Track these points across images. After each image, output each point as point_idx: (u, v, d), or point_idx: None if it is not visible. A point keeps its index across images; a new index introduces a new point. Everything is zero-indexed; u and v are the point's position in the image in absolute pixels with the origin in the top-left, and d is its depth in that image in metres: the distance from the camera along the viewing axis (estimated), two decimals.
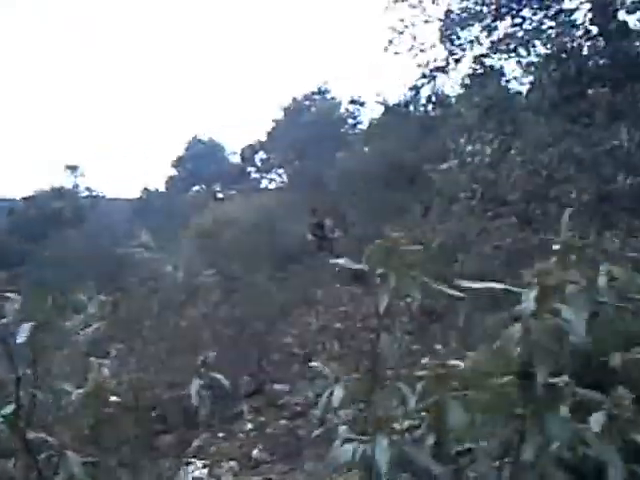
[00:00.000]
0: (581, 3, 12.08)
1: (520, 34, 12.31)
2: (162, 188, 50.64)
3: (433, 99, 19.90)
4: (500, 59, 13.01)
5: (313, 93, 47.36)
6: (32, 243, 32.54)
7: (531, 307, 2.67)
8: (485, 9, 12.36)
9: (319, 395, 3.29)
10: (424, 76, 13.37)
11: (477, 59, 13.06)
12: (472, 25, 12.66)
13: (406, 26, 13.15)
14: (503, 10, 12.28)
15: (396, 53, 13.57)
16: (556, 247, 3.01)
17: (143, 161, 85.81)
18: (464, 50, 12.97)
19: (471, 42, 12.89)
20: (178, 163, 51.71)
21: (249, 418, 9.69)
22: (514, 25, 12.37)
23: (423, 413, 2.99)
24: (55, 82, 78.52)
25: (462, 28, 12.71)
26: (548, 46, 12.18)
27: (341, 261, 3.26)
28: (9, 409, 3.33)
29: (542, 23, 12.12)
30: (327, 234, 22.64)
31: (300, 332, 12.14)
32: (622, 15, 11.91)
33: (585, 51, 12.07)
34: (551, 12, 12.15)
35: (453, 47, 12.96)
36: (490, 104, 12.15)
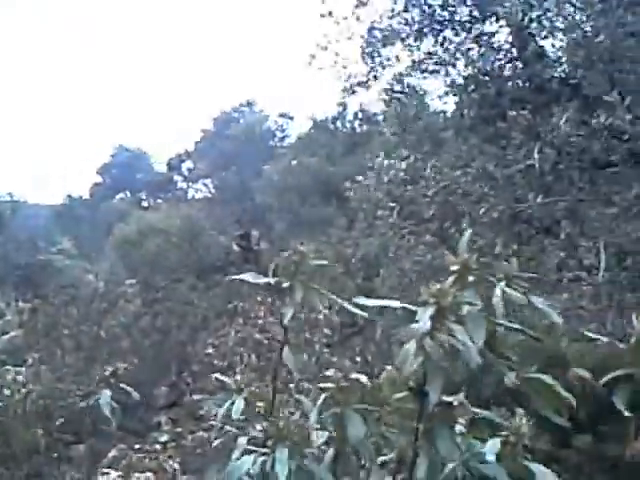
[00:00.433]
0: (500, 27, 12.40)
1: (442, 54, 12.57)
2: (86, 195, 49.68)
3: (360, 115, 20.19)
4: (420, 78, 13.25)
5: (241, 105, 47.34)
6: None
7: (426, 326, 2.73)
8: (407, 28, 12.58)
9: (220, 406, 3.33)
10: (345, 90, 13.51)
11: (396, 77, 13.29)
12: (393, 44, 12.87)
13: (329, 42, 13.27)
14: (425, 30, 12.53)
15: (320, 68, 13.68)
16: (454, 268, 3.03)
17: (67, 167, 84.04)
18: (384, 68, 13.16)
19: (390, 60, 13.09)
20: (103, 170, 50.76)
21: (166, 429, 9.63)
22: (436, 44, 12.62)
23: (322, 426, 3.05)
24: None
25: (384, 45, 12.91)
26: (469, 68, 12.46)
27: (246, 276, 3.33)
28: None
29: (462, 44, 12.39)
30: (253, 245, 22.58)
31: (221, 343, 12.12)
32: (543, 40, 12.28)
33: (507, 73, 12.40)
34: (472, 35, 12.44)
35: (374, 64, 13.14)
36: (408, 122, 12.40)
